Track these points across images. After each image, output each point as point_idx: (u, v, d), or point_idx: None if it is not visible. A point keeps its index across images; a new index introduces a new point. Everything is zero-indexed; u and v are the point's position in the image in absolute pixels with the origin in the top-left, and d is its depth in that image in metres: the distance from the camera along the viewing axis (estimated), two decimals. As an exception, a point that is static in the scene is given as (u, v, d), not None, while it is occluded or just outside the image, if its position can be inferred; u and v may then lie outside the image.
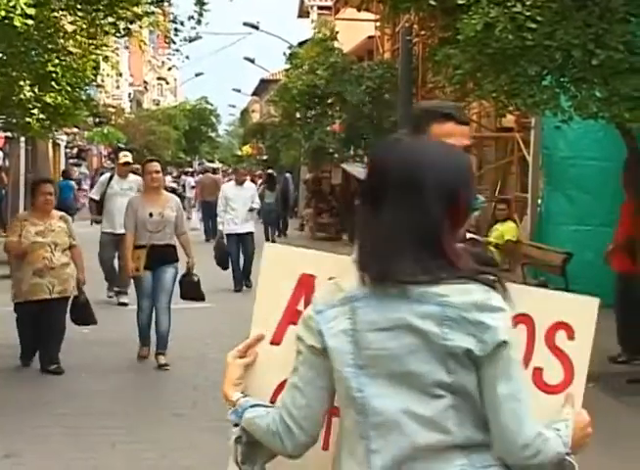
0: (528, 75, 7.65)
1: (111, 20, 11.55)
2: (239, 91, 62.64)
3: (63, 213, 9.23)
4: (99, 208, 12.86)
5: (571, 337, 2.35)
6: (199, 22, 13.19)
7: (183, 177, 38.76)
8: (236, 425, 2.33)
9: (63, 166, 34.54)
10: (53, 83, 11.23)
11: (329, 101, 23.14)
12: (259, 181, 27.65)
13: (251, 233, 14.45)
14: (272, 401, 2.38)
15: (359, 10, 18.65)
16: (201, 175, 31.46)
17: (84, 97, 12.97)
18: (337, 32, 24.30)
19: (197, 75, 62.05)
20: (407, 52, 19.82)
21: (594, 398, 8.59)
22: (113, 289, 12.90)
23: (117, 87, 50.46)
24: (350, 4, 21.09)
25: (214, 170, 32.83)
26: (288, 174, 31.27)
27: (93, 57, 12.71)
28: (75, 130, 34.82)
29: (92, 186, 15.83)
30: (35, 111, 11.89)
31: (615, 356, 9.20)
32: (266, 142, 38.23)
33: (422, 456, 2.11)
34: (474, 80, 8.50)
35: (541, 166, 13.56)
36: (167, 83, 78.57)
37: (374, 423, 2.13)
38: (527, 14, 7.32)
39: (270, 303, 2.49)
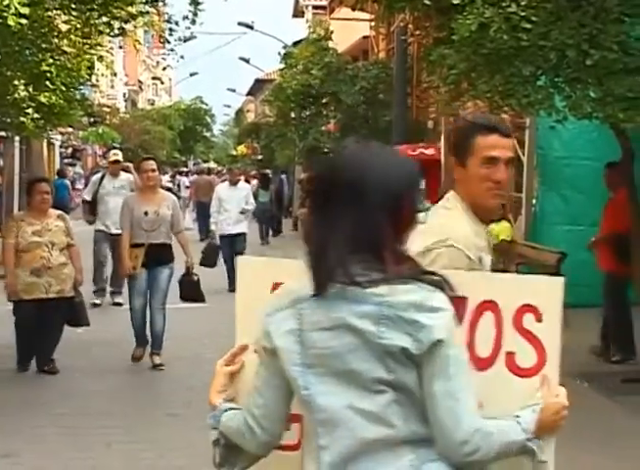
0: (523, 76, 7.66)
1: (105, 19, 11.51)
2: (234, 91, 62.62)
3: (60, 212, 9.19)
4: (92, 208, 12.82)
5: (539, 319, 2.36)
6: (193, 21, 13.17)
7: (178, 177, 38.77)
8: (215, 428, 2.46)
9: (57, 166, 34.45)
10: (47, 83, 11.19)
11: (324, 101, 23.16)
12: (254, 181, 27.62)
13: (244, 234, 14.44)
14: None
15: (354, 9, 18.56)
16: (195, 176, 31.50)
17: (79, 97, 12.92)
18: (331, 32, 24.34)
19: (191, 75, 62.10)
20: (402, 52, 19.88)
21: (588, 397, 8.65)
22: (98, 291, 12.77)
23: (112, 87, 50.40)
24: (345, 3, 21.14)
25: (209, 170, 32.82)
26: (283, 176, 31.34)
27: (87, 56, 12.66)
28: (70, 130, 34.79)
29: (86, 185, 15.81)
30: (30, 110, 11.84)
31: (608, 356, 9.24)
32: (261, 142, 38.21)
33: (369, 452, 2.17)
34: (468, 80, 8.50)
35: (536, 166, 13.57)
36: (162, 83, 78.45)
37: (320, 420, 2.21)
38: (522, 14, 7.33)
39: (249, 313, 2.54)
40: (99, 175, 13.35)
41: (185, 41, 14.09)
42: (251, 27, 36.16)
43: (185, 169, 46.09)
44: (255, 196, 20.22)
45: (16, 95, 11.32)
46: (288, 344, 2.23)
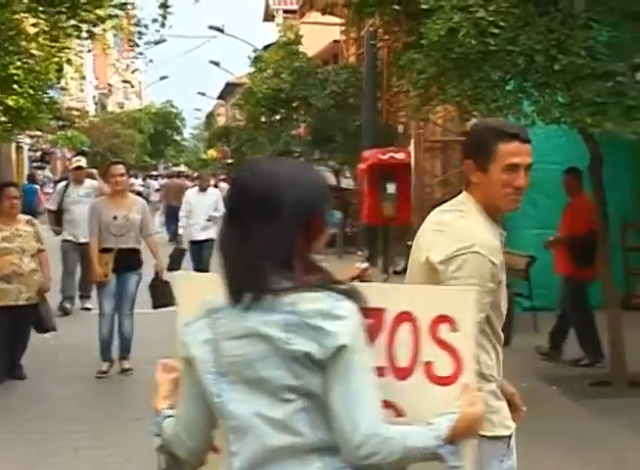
0: (491, 80, 7.69)
1: (73, 22, 11.46)
2: (204, 94, 62.47)
3: (29, 217, 9.10)
4: (57, 218, 12.53)
5: (454, 329, 2.40)
6: (163, 24, 13.17)
7: (147, 181, 38.63)
8: (158, 435, 2.48)
9: (26, 170, 34.28)
10: (15, 86, 11.11)
11: (294, 105, 23.12)
12: (223, 185, 27.52)
13: (212, 240, 14.34)
14: None
15: (324, 13, 18.67)
16: (166, 179, 31.38)
17: (47, 100, 12.81)
18: (301, 36, 24.32)
19: (162, 79, 61.66)
20: (372, 56, 19.90)
21: (555, 401, 8.70)
22: (66, 298, 12.56)
23: (82, 90, 50.09)
24: (316, 8, 21.16)
25: (179, 174, 32.71)
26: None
27: (56, 59, 12.60)
28: (39, 133, 34.52)
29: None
30: (-3, 114, 11.77)
31: (575, 360, 9.30)
32: (232, 146, 38.09)
33: (276, 459, 2.22)
34: (437, 85, 8.52)
35: (505, 170, 13.65)
36: (132, 86, 78.04)
37: (231, 426, 2.27)
38: (490, 19, 7.36)
39: None
40: (63, 184, 13.02)
41: (155, 44, 14.08)
42: (222, 31, 36.15)
43: (155, 173, 45.88)
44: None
45: (-18, 98, 11.24)
46: (203, 353, 2.29)
